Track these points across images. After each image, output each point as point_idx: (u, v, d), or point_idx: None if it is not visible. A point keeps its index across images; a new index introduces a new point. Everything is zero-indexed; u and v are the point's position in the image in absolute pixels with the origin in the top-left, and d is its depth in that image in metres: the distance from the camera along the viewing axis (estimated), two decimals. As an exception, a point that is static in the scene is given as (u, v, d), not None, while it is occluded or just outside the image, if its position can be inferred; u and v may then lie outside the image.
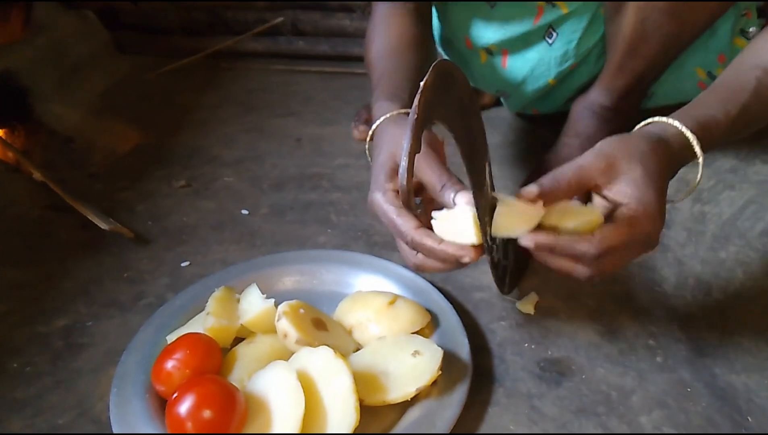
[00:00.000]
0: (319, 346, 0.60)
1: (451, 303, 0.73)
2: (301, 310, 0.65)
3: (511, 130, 1.22)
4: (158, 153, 1.15)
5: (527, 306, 0.75)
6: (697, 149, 0.62)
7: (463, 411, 0.60)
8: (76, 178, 1.04)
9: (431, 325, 0.70)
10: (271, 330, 0.65)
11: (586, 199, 0.63)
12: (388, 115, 0.70)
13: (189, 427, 0.53)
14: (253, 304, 0.68)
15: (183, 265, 0.84)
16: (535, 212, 0.58)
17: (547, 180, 0.58)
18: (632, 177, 0.58)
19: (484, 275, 0.80)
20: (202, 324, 0.66)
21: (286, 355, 0.62)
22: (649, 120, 0.65)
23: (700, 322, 0.73)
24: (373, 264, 0.79)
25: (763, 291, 0.77)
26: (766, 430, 0.61)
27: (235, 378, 0.61)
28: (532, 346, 0.70)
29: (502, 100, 1.22)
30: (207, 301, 0.69)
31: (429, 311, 0.71)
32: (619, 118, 0.93)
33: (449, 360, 0.63)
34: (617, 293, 0.78)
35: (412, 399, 0.59)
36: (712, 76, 0.94)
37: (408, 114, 0.75)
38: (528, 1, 0.93)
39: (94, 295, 0.78)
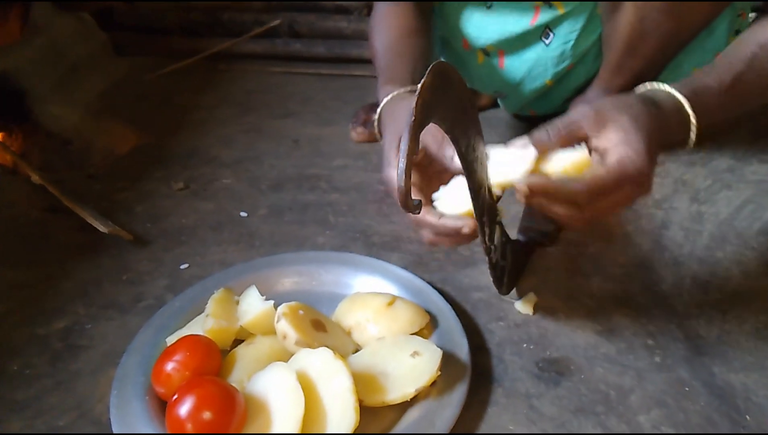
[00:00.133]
0: (318, 347, 0.60)
1: (450, 304, 0.73)
2: (301, 312, 0.65)
3: (508, 131, 1.22)
4: (157, 154, 1.15)
5: (526, 306, 0.75)
6: (689, 110, 0.63)
7: (462, 411, 0.60)
8: (74, 180, 1.04)
9: (430, 326, 0.70)
10: (271, 331, 0.65)
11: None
12: (390, 97, 0.72)
13: (189, 428, 0.53)
14: (253, 305, 0.68)
15: (182, 266, 0.84)
16: (527, 156, 0.60)
17: (537, 131, 0.60)
18: (620, 124, 0.59)
19: (483, 276, 0.80)
20: (201, 325, 0.66)
21: (286, 356, 0.62)
22: (641, 86, 0.67)
23: (698, 321, 0.74)
24: (371, 265, 0.79)
25: (761, 290, 0.77)
26: (765, 428, 0.61)
27: (235, 379, 0.61)
28: (531, 346, 0.70)
29: (499, 101, 1.22)
30: (206, 303, 0.69)
31: (428, 312, 0.71)
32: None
33: (448, 360, 0.63)
34: (615, 293, 0.78)
35: (411, 399, 0.59)
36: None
37: (411, 92, 0.76)
38: (525, 1, 0.93)
39: (93, 296, 0.79)
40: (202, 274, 0.81)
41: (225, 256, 0.86)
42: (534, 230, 0.87)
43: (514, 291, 0.78)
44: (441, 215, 0.60)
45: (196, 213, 0.97)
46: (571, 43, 0.95)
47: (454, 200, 0.61)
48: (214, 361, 0.61)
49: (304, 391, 0.55)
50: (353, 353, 0.66)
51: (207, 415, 0.53)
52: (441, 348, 0.63)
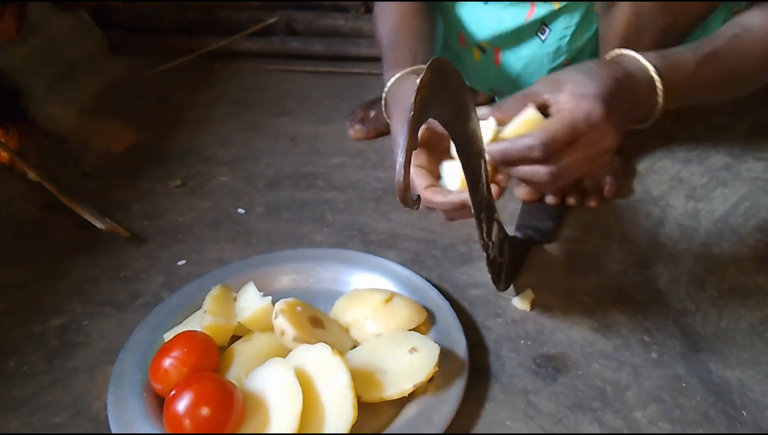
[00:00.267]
0: (316, 343, 0.60)
1: (448, 300, 0.73)
2: (298, 308, 0.65)
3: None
4: (153, 152, 1.15)
5: (523, 303, 0.75)
6: (653, 74, 0.64)
7: (459, 407, 0.60)
8: (70, 178, 1.04)
9: (428, 322, 0.70)
10: (269, 328, 0.65)
11: None
12: (394, 79, 0.73)
13: (187, 424, 0.53)
14: (250, 302, 0.68)
15: (179, 263, 0.84)
16: (486, 126, 0.62)
17: (498, 102, 0.61)
18: (573, 80, 0.60)
19: (480, 272, 0.80)
20: (199, 322, 0.66)
21: (284, 352, 0.62)
22: (610, 52, 0.68)
23: (694, 317, 0.74)
24: (369, 262, 0.79)
25: (757, 287, 0.77)
26: (761, 424, 0.61)
27: (233, 375, 0.61)
28: (528, 343, 0.71)
29: (496, 99, 1.22)
30: (203, 300, 0.69)
31: (425, 308, 0.71)
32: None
33: (446, 357, 0.63)
34: (612, 290, 0.79)
35: (409, 395, 0.60)
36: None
37: (412, 72, 0.76)
38: None
39: (90, 294, 0.78)
40: (199, 272, 0.81)
41: (222, 253, 0.86)
42: (531, 227, 0.88)
43: (511, 288, 0.78)
44: (447, 193, 0.61)
45: (193, 211, 0.97)
46: (567, 38, 0.95)
47: (458, 174, 0.62)
48: (211, 358, 0.61)
49: (302, 388, 0.56)
50: (351, 350, 0.66)
51: (205, 411, 0.53)
52: (439, 344, 0.63)
